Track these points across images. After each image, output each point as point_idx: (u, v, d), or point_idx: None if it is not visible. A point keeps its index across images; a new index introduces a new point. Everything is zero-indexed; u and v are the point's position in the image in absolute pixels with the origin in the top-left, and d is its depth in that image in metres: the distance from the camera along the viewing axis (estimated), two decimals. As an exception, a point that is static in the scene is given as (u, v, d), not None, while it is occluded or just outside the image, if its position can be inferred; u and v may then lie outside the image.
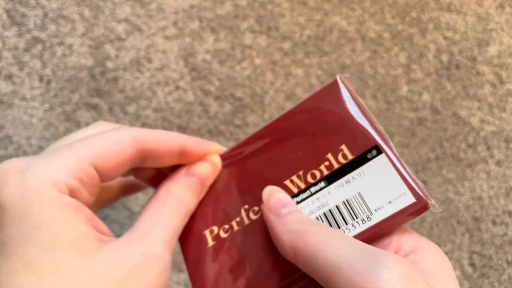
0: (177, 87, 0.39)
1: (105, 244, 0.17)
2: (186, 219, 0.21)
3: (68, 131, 0.37)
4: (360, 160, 0.20)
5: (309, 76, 0.40)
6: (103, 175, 0.19)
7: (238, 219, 0.21)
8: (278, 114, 0.39)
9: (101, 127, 0.22)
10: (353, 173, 0.20)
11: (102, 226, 0.19)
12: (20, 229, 0.16)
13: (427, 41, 0.42)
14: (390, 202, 0.19)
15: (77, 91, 0.38)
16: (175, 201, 0.21)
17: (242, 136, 0.39)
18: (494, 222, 0.40)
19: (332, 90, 0.22)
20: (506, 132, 0.41)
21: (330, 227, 0.18)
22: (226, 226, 0.21)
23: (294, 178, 0.21)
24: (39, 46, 0.38)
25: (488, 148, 0.41)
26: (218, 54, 0.39)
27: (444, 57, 0.42)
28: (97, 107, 0.38)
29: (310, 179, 0.21)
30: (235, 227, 0.21)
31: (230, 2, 0.40)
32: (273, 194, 0.20)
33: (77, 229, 0.17)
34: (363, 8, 0.41)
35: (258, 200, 0.21)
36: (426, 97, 0.41)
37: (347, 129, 0.21)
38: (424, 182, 0.40)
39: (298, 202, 0.20)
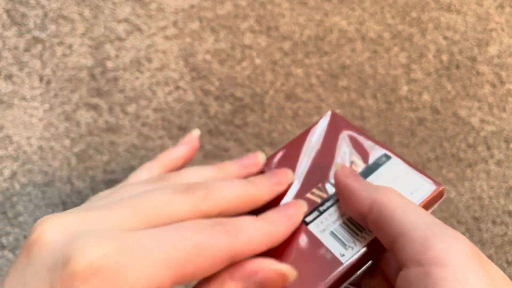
0: (177, 87, 0.39)
1: None
2: None
3: (68, 131, 0.37)
4: (373, 167, 0.23)
5: (309, 76, 0.40)
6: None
7: None
8: (278, 114, 0.39)
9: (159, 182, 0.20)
10: (371, 177, 0.23)
11: None
12: None
13: (427, 41, 0.42)
14: (411, 193, 0.21)
15: (77, 91, 0.38)
16: None
17: (242, 136, 0.39)
18: (494, 222, 0.40)
19: (331, 119, 0.26)
20: (506, 132, 0.41)
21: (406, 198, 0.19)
22: None
23: (315, 190, 0.23)
24: (39, 46, 0.38)
25: (488, 148, 0.41)
26: (218, 54, 0.39)
27: (444, 57, 0.42)
28: (97, 107, 0.38)
29: (329, 189, 0.23)
30: None
31: (230, 2, 0.40)
32: (345, 167, 0.22)
33: None
34: (363, 8, 0.41)
35: None
36: (426, 97, 0.41)
37: (353, 146, 0.24)
38: (424, 182, 0.40)
39: (323, 211, 0.22)
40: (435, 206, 0.22)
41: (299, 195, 0.23)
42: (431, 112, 0.41)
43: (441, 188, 0.22)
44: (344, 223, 0.21)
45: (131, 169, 0.37)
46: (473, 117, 0.41)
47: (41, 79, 0.37)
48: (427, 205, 0.21)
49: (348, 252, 0.20)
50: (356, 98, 0.40)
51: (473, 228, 0.40)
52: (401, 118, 0.40)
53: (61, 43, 0.38)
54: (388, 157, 0.23)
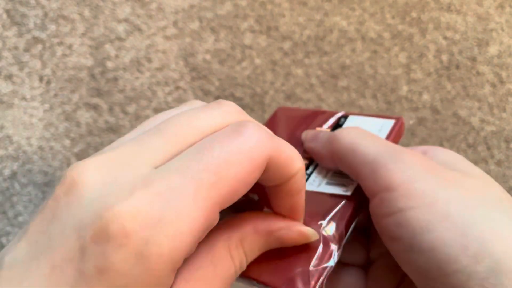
0: (177, 87, 0.39)
1: None
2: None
3: (68, 131, 0.37)
4: (336, 128, 0.25)
5: (309, 76, 0.40)
6: None
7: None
8: (278, 114, 0.39)
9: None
10: None
11: None
12: None
13: (427, 41, 0.42)
14: (379, 130, 0.23)
15: (77, 91, 0.38)
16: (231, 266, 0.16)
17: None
18: (494, 222, 0.40)
19: (277, 115, 0.29)
20: (506, 132, 0.41)
21: (360, 128, 0.20)
22: None
23: None
24: (39, 46, 0.38)
25: (488, 148, 0.41)
26: (218, 54, 0.39)
27: (444, 57, 0.42)
28: (97, 107, 0.38)
29: (307, 156, 0.24)
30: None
31: (230, 2, 0.40)
32: (307, 132, 0.24)
33: None
34: (363, 8, 0.41)
35: None
36: (426, 97, 0.41)
37: (313, 118, 0.26)
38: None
39: (310, 173, 0.23)
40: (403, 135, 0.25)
41: None
42: (431, 112, 0.41)
43: (400, 120, 0.23)
44: (334, 173, 0.22)
45: (131, 169, 0.37)
46: (473, 117, 0.41)
47: (41, 79, 0.37)
48: (395, 140, 0.23)
49: (349, 187, 0.21)
50: (356, 98, 0.40)
51: (473, 228, 0.40)
52: (401, 118, 0.40)
53: (61, 43, 0.38)
54: (345, 117, 0.25)
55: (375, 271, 0.22)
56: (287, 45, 0.40)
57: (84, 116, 0.38)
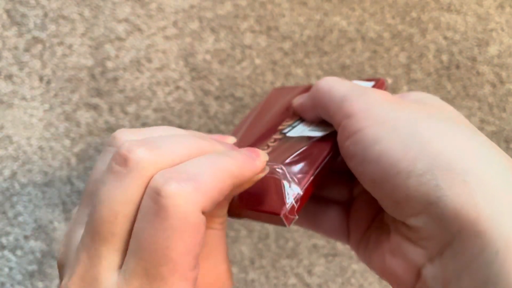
0: (177, 87, 0.39)
1: None
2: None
3: (68, 131, 0.37)
4: None
5: (309, 76, 0.40)
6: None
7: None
8: (278, 114, 0.39)
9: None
10: None
11: None
12: None
13: (427, 41, 0.42)
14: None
15: (77, 91, 0.38)
16: None
17: (242, 136, 0.39)
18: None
19: (275, 92, 0.30)
20: (506, 132, 0.41)
21: (338, 78, 0.22)
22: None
23: (284, 123, 0.26)
24: (39, 46, 0.38)
25: (488, 148, 0.41)
26: (218, 54, 0.39)
27: (444, 57, 0.42)
28: (97, 107, 0.38)
29: (296, 117, 0.26)
30: None
31: (230, 2, 0.40)
32: (297, 98, 0.25)
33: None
34: (363, 8, 0.41)
35: (265, 141, 0.25)
36: (426, 97, 0.41)
37: (303, 90, 0.27)
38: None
39: (294, 126, 0.25)
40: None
41: (272, 131, 0.26)
42: (431, 112, 0.41)
43: (380, 80, 0.25)
44: (318, 123, 0.24)
45: (131, 169, 0.37)
46: (473, 117, 0.41)
47: (41, 79, 0.37)
48: None
49: (329, 128, 0.23)
50: (356, 98, 0.40)
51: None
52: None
53: (61, 43, 0.38)
54: None
55: (355, 205, 0.25)
56: (287, 45, 0.40)
57: (84, 116, 0.38)
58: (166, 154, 0.17)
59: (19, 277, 0.36)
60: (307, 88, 0.28)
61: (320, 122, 0.24)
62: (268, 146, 0.25)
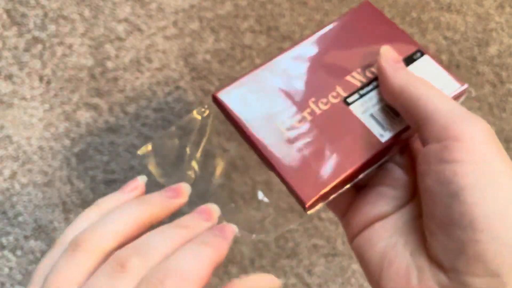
0: (177, 87, 0.39)
1: None
2: None
3: (68, 131, 0.37)
4: (408, 60, 0.25)
5: (309, 76, 0.40)
6: None
7: (308, 110, 0.24)
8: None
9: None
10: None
11: None
12: None
13: (427, 41, 0.42)
14: (442, 89, 0.22)
15: (77, 91, 0.38)
16: None
17: (242, 136, 0.39)
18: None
19: (365, 9, 0.27)
20: (506, 132, 0.41)
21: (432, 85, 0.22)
22: (299, 117, 0.23)
23: (355, 74, 0.24)
24: (39, 46, 0.38)
25: (488, 148, 0.41)
26: (218, 54, 0.39)
27: (444, 57, 0.42)
28: (97, 107, 0.38)
29: (369, 75, 0.24)
30: (308, 118, 0.23)
31: (230, 2, 0.40)
32: (389, 51, 0.24)
33: None
34: (363, 8, 0.41)
35: (325, 93, 0.24)
36: (426, 97, 0.41)
37: (392, 37, 0.25)
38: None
39: (363, 94, 0.24)
40: (459, 102, 0.25)
41: (339, 76, 0.24)
42: (431, 112, 0.41)
43: (465, 87, 0.24)
44: (383, 107, 0.23)
45: (131, 169, 0.37)
46: (473, 117, 0.41)
47: (41, 79, 0.37)
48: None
49: (386, 133, 0.23)
50: (356, 98, 0.40)
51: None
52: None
53: (61, 43, 0.38)
54: (422, 54, 0.25)
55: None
56: (287, 45, 0.40)
57: (84, 116, 0.38)
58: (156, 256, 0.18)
59: (19, 277, 0.36)
60: (396, 32, 0.26)
61: (387, 108, 0.23)
62: (326, 103, 0.24)
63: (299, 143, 0.23)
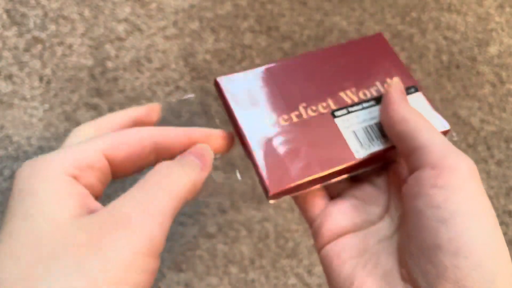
0: (177, 87, 0.39)
1: (81, 218, 0.18)
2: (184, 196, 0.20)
3: (68, 131, 0.37)
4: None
5: (309, 76, 0.40)
6: (116, 166, 0.22)
7: (296, 112, 0.25)
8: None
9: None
10: None
11: (94, 204, 0.20)
12: (13, 202, 0.19)
13: (427, 41, 0.42)
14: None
15: (77, 91, 0.38)
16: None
17: (242, 136, 0.39)
18: (494, 222, 0.40)
19: (376, 39, 0.29)
20: (506, 132, 0.41)
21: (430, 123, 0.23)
22: (286, 117, 0.25)
23: (348, 92, 0.26)
24: (39, 46, 0.38)
25: (488, 148, 0.41)
26: (218, 54, 0.39)
27: (444, 57, 0.42)
28: (97, 107, 0.38)
29: (362, 96, 0.26)
30: (294, 119, 0.25)
31: (230, 2, 0.40)
32: (399, 83, 0.26)
33: (60, 200, 0.18)
34: (363, 8, 0.41)
35: (316, 101, 0.25)
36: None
37: (393, 68, 0.27)
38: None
39: (351, 112, 0.25)
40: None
41: (333, 90, 0.26)
42: (431, 112, 0.41)
43: (448, 129, 0.26)
44: (365, 128, 0.25)
45: (131, 169, 0.37)
46: (473, 117, 0.41)
47: (41, 79, 0.37)
48: None
49: (362, 151, 0.24)
50: (356, 98, 0.40)
51: (473, 228, 0.40)
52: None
53: (61, 43, 0.38)
54: (416, 90, 0.27)
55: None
56: (287, 45, 0.40)
57: (84, 116, 0.38)
58: None
59: (19, 277, 0.36)
60: (400, 67, 0.27)
61: (370, 134, 0.25)
62: (315, 110, 0.25)
63: (279, 139, 0.24)
